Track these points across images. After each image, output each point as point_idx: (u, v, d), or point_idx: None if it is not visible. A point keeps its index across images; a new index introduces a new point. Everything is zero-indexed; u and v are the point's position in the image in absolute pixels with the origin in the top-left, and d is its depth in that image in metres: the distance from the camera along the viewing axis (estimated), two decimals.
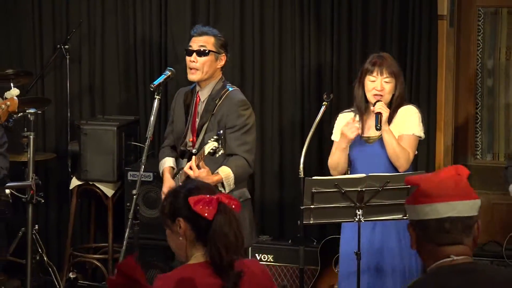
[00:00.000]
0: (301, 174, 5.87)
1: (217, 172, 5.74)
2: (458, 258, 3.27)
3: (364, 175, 5.66)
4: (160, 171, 6.17)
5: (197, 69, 5.95)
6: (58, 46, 8.02)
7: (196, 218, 3.72)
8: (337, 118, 6.18)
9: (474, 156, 7.46)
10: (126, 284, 2.93)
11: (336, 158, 6.04)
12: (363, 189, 5.57)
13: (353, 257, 5.73)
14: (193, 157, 5.72)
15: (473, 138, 7.48)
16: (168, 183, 5.99)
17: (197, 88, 6.06)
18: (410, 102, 6.83)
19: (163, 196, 5.82)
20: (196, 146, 5.97)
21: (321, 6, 7.44)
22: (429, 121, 7.15)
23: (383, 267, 6.04)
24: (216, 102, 5.98)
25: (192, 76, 5.98)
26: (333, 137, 6.17)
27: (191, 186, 3.89)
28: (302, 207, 5.62)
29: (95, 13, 8.07)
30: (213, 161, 5.82)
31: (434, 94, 7.24)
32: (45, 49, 8.21)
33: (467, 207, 3.31)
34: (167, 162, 6.13)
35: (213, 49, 5.98)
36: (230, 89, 6.07)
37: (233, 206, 3.79)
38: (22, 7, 8.23)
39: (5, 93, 5.74)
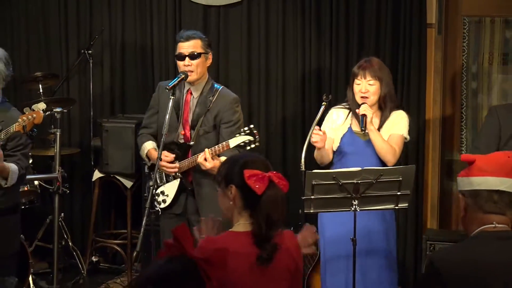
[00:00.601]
0: (302, 168, 5.87)
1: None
2: (500, 226, 3.44)
3: (359, 168, 5.67)
4: (145, 153, 6.14)
5: (192, 71, 5.95)
6: (82, 51, 8.04)
7: (247, 190, 3.74)
8: (329, 112, 6.22)
9: (460, 151, 7.44)
10: (177, 246, 2.93)
11: (317, 154, 6.11)
12: (359, 181, 5.57)
13: (339, 241, 5.80)
14: (206, 149, 5.73)
15: (459, 135, 7.47)
16: (165, 158, 5.94)
17: (188, 86, 6.05)
18: (401, 104, 6.90)
19: (166, 170, 5.93)
20: (192, 138, 5.99)
21: (320, 14, 7.44)
22: (419, 120, 7.18)
23: (372, 249, 6.07)
24: (211, 99, 6.01)
25: (191, 77, 5.97)
26: (323, 128, 6.14)
27: (249, 159, 3.91)
28: (303, 198, 5.67)
29: (116, 21, 8.10)
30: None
31: (423, 95, 7.25)
32: (70, 53, 8.23)
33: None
34: (149, 145, 6.13)
35: (202, 51, 6.00)
36: (219, 87, 6.11)
37: (282, 186, 3.80)
38: (50, 16, 8.25)
39: (33, 106, 5.75)
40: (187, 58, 5.96)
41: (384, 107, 6.02)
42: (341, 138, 6.09)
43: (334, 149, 6.14)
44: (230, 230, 3.84)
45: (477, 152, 5.84)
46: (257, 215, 3.75)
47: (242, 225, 3.79)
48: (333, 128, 6.12)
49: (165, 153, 5.93)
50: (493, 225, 3.42)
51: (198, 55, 5.96)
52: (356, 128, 6.06)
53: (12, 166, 5.77)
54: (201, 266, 2.89)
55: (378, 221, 6.04)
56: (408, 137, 6.11)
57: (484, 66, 7.39)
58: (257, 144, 5.70)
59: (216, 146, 5.74)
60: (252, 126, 5.73)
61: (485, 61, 7.38)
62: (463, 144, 7.46)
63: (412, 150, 7.14)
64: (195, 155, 5.84)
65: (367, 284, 6.02)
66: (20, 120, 5.68)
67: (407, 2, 7.20)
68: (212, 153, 5.69)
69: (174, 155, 5.96)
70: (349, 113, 6.10)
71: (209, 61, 6.10)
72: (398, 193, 5.71)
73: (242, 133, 5.69)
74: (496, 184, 3.42)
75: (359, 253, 5.91)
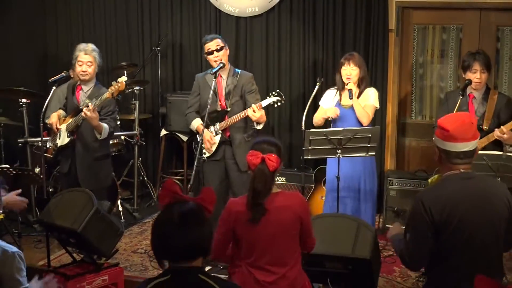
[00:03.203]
0: (303, 128, 5.88)
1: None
2: (463, 170, 3.47)
3: (342, 128, 5.71)
4: (195, 128, 6.06)
5: (221, 58, 5.94)
6: (153, 48, 8.07)
7: (248, 164, 3.67)
8: (325, 92, 6.25)
9: (410, 117, 7.48)
10: (170, 195, 2.80)
11: (318, 119, 6.13)
12: (341, 137, 5.61)
13: (335, 179, 5.86)
14: (253, 104, 5.71)
15: (410, 106, 7.47)
16: (208, 135, 5.93)
17: (219, 72, 5.92)
18: (371, 84, 6.90)
19: (206, 145, 5.94)
20: (228, 106, 5.95)
21: (316, 23, 7.45)
22: (382, 95, 7.18)
23: (356, 186, 6.12)
24: (236, 78, 6.00)
25: (215, 63, 5.93)
26: (320, 103, 6.23)
27: (257, 142, 3.77)
28: (303, 148, 5.69)
29: (176, 27, 8.10)
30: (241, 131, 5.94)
31: (386, 78, 7.27)
32: (145, 49, 8.24)
33: (474, 144, 3.49)
34: (197, 121, 6.05)
35: (223, 45, 5.99)
36: (239, 70, 6.10)
37: (270, 165, 3.61)
38: (131, 21, 8.25)
39: (118, 79, 5.80)
40: (215, 52, 5.96)
41: (361, 85, 6.05)
42: None
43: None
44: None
45: (435, 124, 5.89)
46: (250, 184, 3.62)
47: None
48: (328, 102, 6.15)
49: (207, 133, 5.93)
50: (459, 172, 3.46)
51: (221, 48, 5.97)
52: (342, 102, 6.07)
53: (105, 125, 5.86)
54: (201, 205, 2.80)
55: (360, 166, 6.06)
56: (378, 105, 6.14)
57: (427, 59, 7.39)
58: (283, 101, 5.76)
59: (253, 105, 5.72)
60: (278, 90, 5.78)
61: (428, 55, 7.37)
62: (412, 112, 7.47)
63: (378, 116, 7.17)
64: (240, 113, 5.83)
65: (353, 211, 6.09)
66: (109, 89, 5.75)
67: (375, 14, 7.19)
68: (257, 107, 5.70)
69: (215, 129, 5.97)
70: (336, 92, 6.14)
71: (228, 52, 6.06)
72: (368, 145, 5.74)
73: (272, 95, 5.75)
74: (463, 147, 3.44)
75: (347, 188, 6.02)
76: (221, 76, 6.02)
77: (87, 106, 5.72)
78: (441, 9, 7.17)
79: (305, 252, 3.84)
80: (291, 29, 7.59)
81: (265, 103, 5.73)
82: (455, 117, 3.57)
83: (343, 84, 6.03)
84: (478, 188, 3.46)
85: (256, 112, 5.70)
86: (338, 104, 6.09)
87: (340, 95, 6.10)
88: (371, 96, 6.06)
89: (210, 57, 5.99)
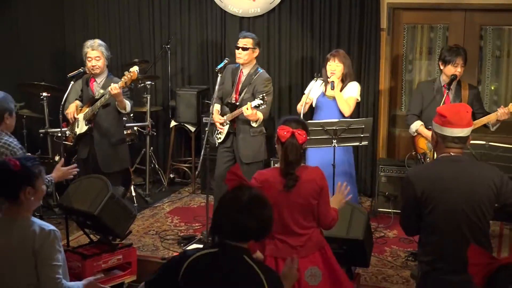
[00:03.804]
0: (300, 112, 5.89)
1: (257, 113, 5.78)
2: (454, 154, 3.49)
3: (337, 120, 5.72)
4: (212, 111, 6.05)
5: (241, 58, 5.96)
6: (163, 45, 8.03)
7: (279, 137, 3.74)
8: (311, 82, 6.20)
9: (400, 109, 7.46)
10: (236, 179, 2.90)
11: (301, 107, 5.99)
12: (337, 127, 5.62)
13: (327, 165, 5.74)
14: (249, 102, 5.69)
15: (400, 99, 7.45)
16: (217, 117, 6.00)
17: (241, 67, 6.02)
18: (365, 79, 6.92)
19: (217, 125, 5.97)
20: (238, 100, 5.97)
21: (313, 23, 7.41)
22: (375, 88, 7.23)
23: (342, 171, 6.03)
24: (253, 77, 5.98)
25: (239, 61, 5.98)
26: (305, 91, 6.20)
27: (285, 120, 3.84)
28: None
29: (184, 27, 8.06)
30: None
31: (378, 73, 7.24)
32: (156, 47, 8.20)
33: (468, 130, 3.52)
34: (216, 106, 6.08)
35: (251, 46, 5.95)
36: (260, 70, 6.06)
37: (299, 139, 3.69)
38: (143, 21, 8.22)
39: (130, 68, 5.83)
40: (240, 49, 5.95)
41: (345, 80, 6.04)
42: (317, 99, 6.11)
43: (313, 105, 6.15)
44: (276, 165, 3.82)
45: (409, 113, 5.88)
46: (282, 155, 3.72)
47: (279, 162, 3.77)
48: (312, 91, 6.12)
49: (219, 117, 6.00)
50: (450, 154, 3.48)
51: (247, 49, 5.94)
52: (327, 93, 6.07)
53: (127, 102, 5.97)
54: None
55: (343, 154, 6.01)
56: (359, 98, 6.13)
57: (416, 55, 7.37)
58: (264, 106, 5.68)
59: (248, 103, 5.70)
60: (264, 95, 5.72)
61: (417, 52, 7.36)
62: (402, 104, 7.46)
63: (371, 108, 7.18)
64: (239, 109, 5.84)
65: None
66: (122, 78, 5.83)
67: (368, 14, 7.17)
68: (248, 107, 5.68)
69: (225, 118, 5.99)
70: (322, 83, 6.13)
71: (256, 54, 6.03)
72: (362, 135, 5.75)
73: (258, 99, 5.72)
74: (458, 132, 3.46)
75: (338, 174, 5.93)
76: (242, 72, 6.04)
77: (102, 96, 5.85)
78: (429, 9, 7.15)
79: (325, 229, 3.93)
80: (291, 28, 7.56)
81: (254, 104, 5.70)
82: (453, 106, 3.70)
83: (327, 77, 6.05)
84: (463, 170, 3.47)
85: (248, 110, 5.69)
86: (323, 95, 6.10)
87: (325, 86, 6.10)
88: (353, 89, 6.06)
89: (236, 51, 6.01)
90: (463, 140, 3.49)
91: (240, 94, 6.00)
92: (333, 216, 3.85)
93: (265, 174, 3.80)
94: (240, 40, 6.01)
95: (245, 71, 6.04)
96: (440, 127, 3.50)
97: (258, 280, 2.59)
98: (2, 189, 3.11)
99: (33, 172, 3.15)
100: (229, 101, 6.04)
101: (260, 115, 5.82)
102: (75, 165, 4.76)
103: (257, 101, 5.69)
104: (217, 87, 6.10)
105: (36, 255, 3.04)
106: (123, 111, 6.00)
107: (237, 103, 5.99)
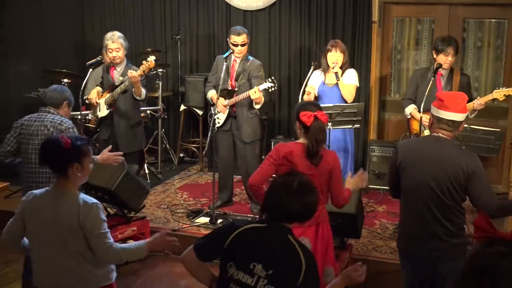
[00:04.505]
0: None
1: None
2: (443, 135, 3.51)
3: (332, 104, 5.71)
4: (209, 97, 6.06)
5: (242, 52, 5.95)
6: (174, 36, 8.00)
7: (303, 123, 3.73)
8: (312, 73, 6.09)
9: (390, 94, 7.43)
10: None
11: (307, 96, 5.91)
12: (332, 112, 5.59)
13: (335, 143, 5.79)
14: (256, 86, 5.73)
15: (390, 85, 7.41)
16: (220, 102, 5.96)
17: (233, 56, 5.99)
18: (358, 67, 6.87)
19: (222, 108, 5.95)
20: (236, 86, 5.96)
21: (311, 17, 7.37)
22: (367, 76, 7.19)
23: (343, 147, 6.03)
24: (246, 64, 5.99)
25: (239, 55, 5.96)
26: (309, 83, 6.06)
27: (303, 104, 3.87)
28: None
29: (193, 19, 8.02)
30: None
31: (369, 62, 7.20)
32: (167, 37, 8.16)
33: (462, 116, 3.52)
34: (212, 92, 6.05)
35: (247, 41, 5.96)
36: (251, 58, 6.07)
37: (323, 120, 3.73)
38: (155, 13, 8.18)
39: (148, 58, 5.83)
40: (240, 46, 5.93)
41: (343, 68, 5.93)
42: (318, 87, 6.02)
43: (316, 94, 6.07)
44: (296, 141, 3.82)
45: (405, 97, 5.87)
46: (309, 137, 3.71)
47: (302, 139, 3.76)
48: (312, 81, 6.04)
49: (221, 100, 5.97)
50: (438, 134, 3.50)
51: (244, 44, 5.95)
52: (327, 81, 5.98)
53: (143, 90, 6.00)
54: None
55: (339, 132, 5.95)
56: (358, 84, 6.06)
57: (404, 46, 7.32)
58: (275, 88, 5.73)
59: (255, 87, 5.74)
60: (273, 77, 5.76)
61: (405, 43, 7.31)
62: (391, 90, 7.42)
63: (363, 93, 7.15)
64: (244, 93, 5.83)
65: None
66: (141, 67, 5.85)
67: (361, 8, 7.13)
68: (256, 90, 5.71)
69: (227, 101, 5.97)
70: (321, 73, 6.04)
71: (247, 45, 6.04)
72: (354, 119, 5.74)
73: (267, 82, 5.72)
74: (452, 116, 3.47)
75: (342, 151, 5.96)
76: (235, 61, 6.01)
77: (122, 83, 5.91)
78: (416, 4, 7.11)
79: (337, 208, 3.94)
80: (290, 21, 7.52)
81: (262, 87, 5.71)
82: (452, 93, 3.84)
83: (328, 66, 5.93)
84: (442, 149, 3.47)
85: (256, 93, 5.69)
86: (323, 83, 6.00)
87: (325, 75, 6.01)
88: (352, 77, 5.97)
89: (233, 47, 5.95)
90: (456, 124, 3.48)
91: (236, 80, 5.99)
92: (345, 196, 3.85)
93: (288, 146, 3.79)
94: (237, 37, 5.94)
95: (239, 59, 6.03)
96: (436, 110, 3.50)
97: (298, 258, 2.60)
98: (53, 164, 3.17)
99: (82, 150, 3.18)
100: (227, 87, 6.01)
101: (263, 98, 5.82)
102: (120, 152, 4.72)
103: (267, 84, 5.72)
104: (210, 76, 6.09)
105: (82, 227, 3.08)
106: (138, 98, 6.01)
107: (235, 89, 5.99)
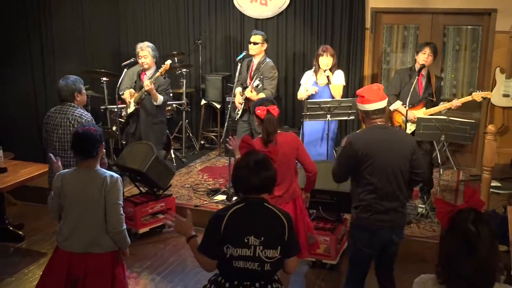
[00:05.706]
0: (303, 99, 5.83)
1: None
2: (380, 123, 3.49)
3: (330, 99, 5.68)
4: (234, 92, 6.06)
5: (253, 50, 5.94)
6: (196, 41, 7.96)
7: (258, 116, 3.77)
8: (304, 74, 6.08)
9: None
10: (246, 146, 2.91)
11: (302, 95, 5.85)
12: (330, 105, 5.57)
13: (312, 132, 5.78)
14: (249, 86, 5.75)
15: (380, 83, 7.21)
16: (237, 99, 6.00)
17: (253, 58, 6.00)
18: (348, 67, 6.82)
19: (237, 103, 5.95)
20: (250, 85, 5.93)
21: (313, 24, 7.33)
22: (360, 75, 7.14)
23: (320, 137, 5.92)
24: (261, 66, 5.95)
25: (251, 52, 5.96)
26: (301, 82, 6.05)
27: (259, 101, 3.87)
28: (303, 113, 5.65)
29: (212, 25, 7.98)
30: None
31: (362, 63, 7.16)
32: (190, 41, 8.13)
33: (384, 103, 3.49)
34: (239, 89, 6.07)
35: (260, 42, 5.93)
36: (267, 60, 6.02)
37: (274, 113, 3.75)
38: (180, 21, 8.15)
39: (165, 62, 5.82)
40: (251, 44, 5.93)
41: (332, 69, 5.83)
42: (311, 86, 5.93)
43: (315, 91, 6.00)
44: (259, 136, 3.81)
45: (389, 93, 5.81)
46: (262, 128, 3.75)
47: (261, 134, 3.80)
48: (306, 81, 5.97)
49: (239, 98, 5.98)
50: (378, 125, 3.47)
51: (257, 43, 5.92)
52: (319, 81, 5.88)
53: (160, 96, 5.90)
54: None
55: (324, 124, 5.83)
56: (344, 83, 5.96)
57: (393, 49, 7.27)
58: (261, 85, 5.71)
59: (249, 86, 5.78)
60: (262, 77, 5.74)
61: (394, 47, 7.26)
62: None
63: (356, 90, 7.08)
64: (247, 90, 5.86)
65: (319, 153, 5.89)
66: (159, 70, 5.83)
67: (356, 16, 7.07)
68: (251, 89, 5.73)
69: (243, 99, 5.96)
70: (313, 74, 5.93)
71: (264, 47, 5.98)
72: (349, 111, 5.70)
73: (258, 80, 5.75)
74: (375, 106, 3.45)
75: (322, 138, 5.90)
76: (253, 62, 6.03)
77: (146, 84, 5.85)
78: (403, 13, 7.06)
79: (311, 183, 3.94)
80: (295, 28, 7.48)
81: (254, 84, 5.75)
82: (367, 87, 3.60)
83: (319, 68, 5.84)
84: (392, 134, 3.50)
85: (252, 92, 5.75)
86: (315, 83, 5.93)
87: (316, 76, 5.92)
88: (340, 77, 5.89)
89: (249, 45, 5.98)
90: (381, 111, 3.47)
91: (252, 79, 5.97)
92: (313, 168, 3.89)
93: (251, 140, 3.76)
94: (252, 36, 5.99)
95: (256, 61, 6.01)
96: (362, 105, 3.48)
97: (279, 219, 2.68)
98: (92, 150, 3.29)
99: (102, 135, 3.38)
100: (245, 85, 6.03)
101: (262, 95, 5.73)
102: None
103: (256, 82, 5.74)
104: (237, 75, 6.07)
105: (106, 195, 3.23)
106: (155, 103, 5.90)
107: (248, 87, 5.99)
